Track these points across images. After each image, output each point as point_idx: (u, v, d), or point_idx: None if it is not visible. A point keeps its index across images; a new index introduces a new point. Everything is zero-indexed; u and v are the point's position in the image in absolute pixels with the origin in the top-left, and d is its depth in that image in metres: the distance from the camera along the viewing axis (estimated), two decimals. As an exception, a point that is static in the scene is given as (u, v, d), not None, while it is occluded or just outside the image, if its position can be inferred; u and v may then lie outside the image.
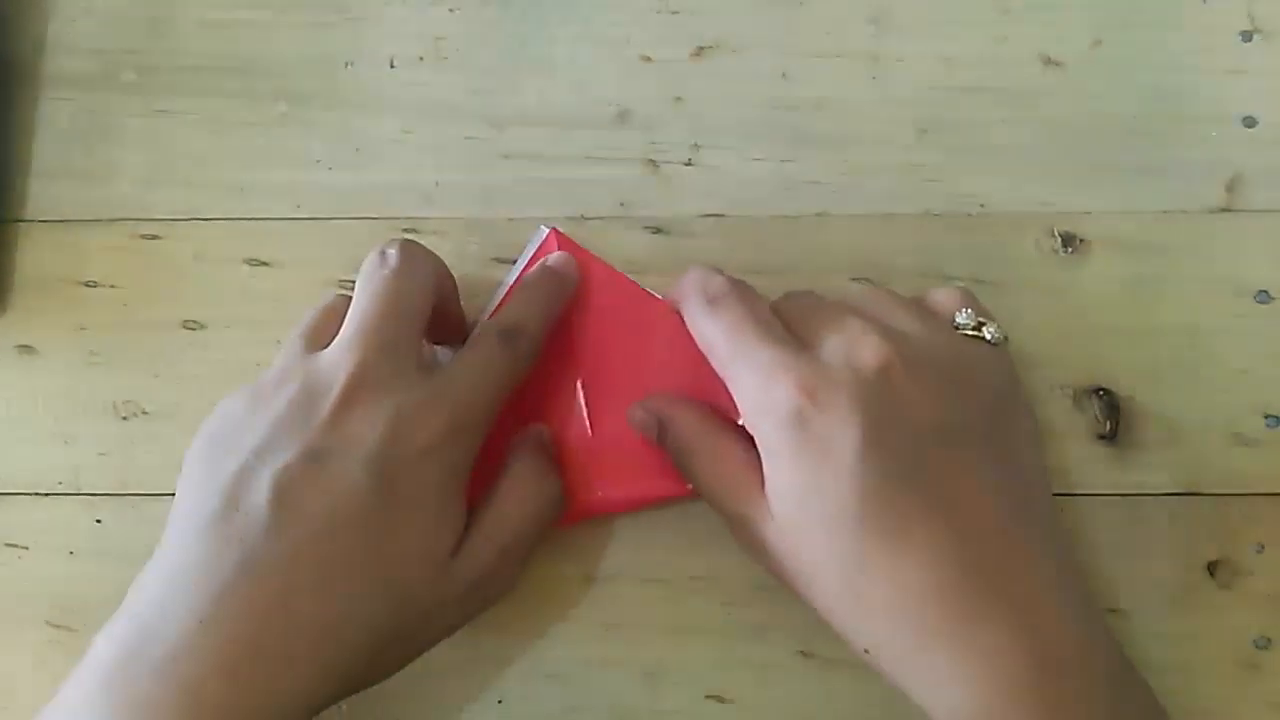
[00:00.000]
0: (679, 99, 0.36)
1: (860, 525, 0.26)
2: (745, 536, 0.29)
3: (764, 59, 0.36)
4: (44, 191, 0.36)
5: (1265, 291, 0.34)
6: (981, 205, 0.35)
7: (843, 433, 0.26)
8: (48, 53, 0.37)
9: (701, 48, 0.36)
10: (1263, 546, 0.32)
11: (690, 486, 0.32)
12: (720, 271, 0.31)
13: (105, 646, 0.25)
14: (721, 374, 0.29)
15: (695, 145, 0.36)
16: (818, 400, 0.26)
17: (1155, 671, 0.32)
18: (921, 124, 0.35)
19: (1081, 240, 0.34)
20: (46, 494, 0.35)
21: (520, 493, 0.30)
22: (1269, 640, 0.32)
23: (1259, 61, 0.35)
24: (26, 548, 0.34)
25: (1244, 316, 0.34)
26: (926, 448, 0.27)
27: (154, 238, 0.36)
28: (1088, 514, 0.33)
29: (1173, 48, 0.36)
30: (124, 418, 0.35)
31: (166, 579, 0.26)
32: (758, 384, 0.28)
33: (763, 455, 0.28)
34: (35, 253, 0.36)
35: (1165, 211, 0.34)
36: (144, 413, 0.35)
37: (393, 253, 0.30)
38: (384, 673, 0.28)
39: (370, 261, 0.30)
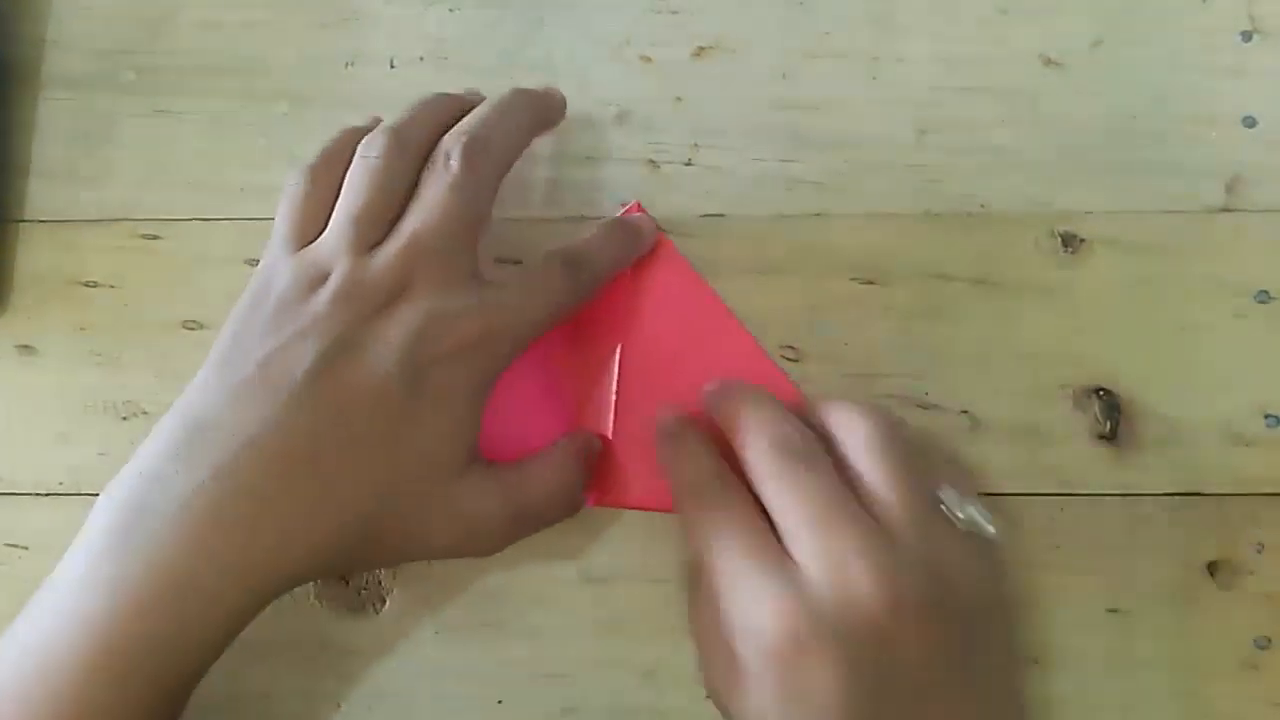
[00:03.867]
0: (679, 99, 0.36)
1: None
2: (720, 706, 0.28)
3: (764, 59, 0.36)
4: (44, 191, 0.36)
5: (1265, 291, 0.34)
6: (981, 205, 0.35)
7: (825, 684, 0.25)
8: (48, 53, 0.37)
9: (701, 48, 0.36)
10: (1263, 546, 0.32)
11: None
12: (711, 455, 0.30)
13: (116, 495, 0.26)
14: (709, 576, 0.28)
15: (695, 145, 0.36)
16: (801, 643, 0.25)
17: (1155, 671, 0.32)
18: (921, 124, 0.35)
19: (1081, 240, 0.34)
20: (46, 494, 0.35)
21: (547, 469, 0.30)
22: (1269, 640, 0.32)
23: (1259, 61, 0.35)
24: (26, 548, 0.34)
25: (1244, 316, 0.34)
26: (912, 698, 0.26)
27: (154, 238, 0.36)
28: (1088, 514, 0.33)
29: (1173, 48, 0.36)
30: (124, 418, 0.35)
31: (185, 434, 0.26)
32: (741, 606, 0.27)
33: (741, 666, 0.27)
34: (35, 253, 0.36)
35: (1165, 211, 0.34)
36: (144, 413, 0.35)
37: (455, 163, 0.29)
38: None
39: (436, 166, 0.29)
